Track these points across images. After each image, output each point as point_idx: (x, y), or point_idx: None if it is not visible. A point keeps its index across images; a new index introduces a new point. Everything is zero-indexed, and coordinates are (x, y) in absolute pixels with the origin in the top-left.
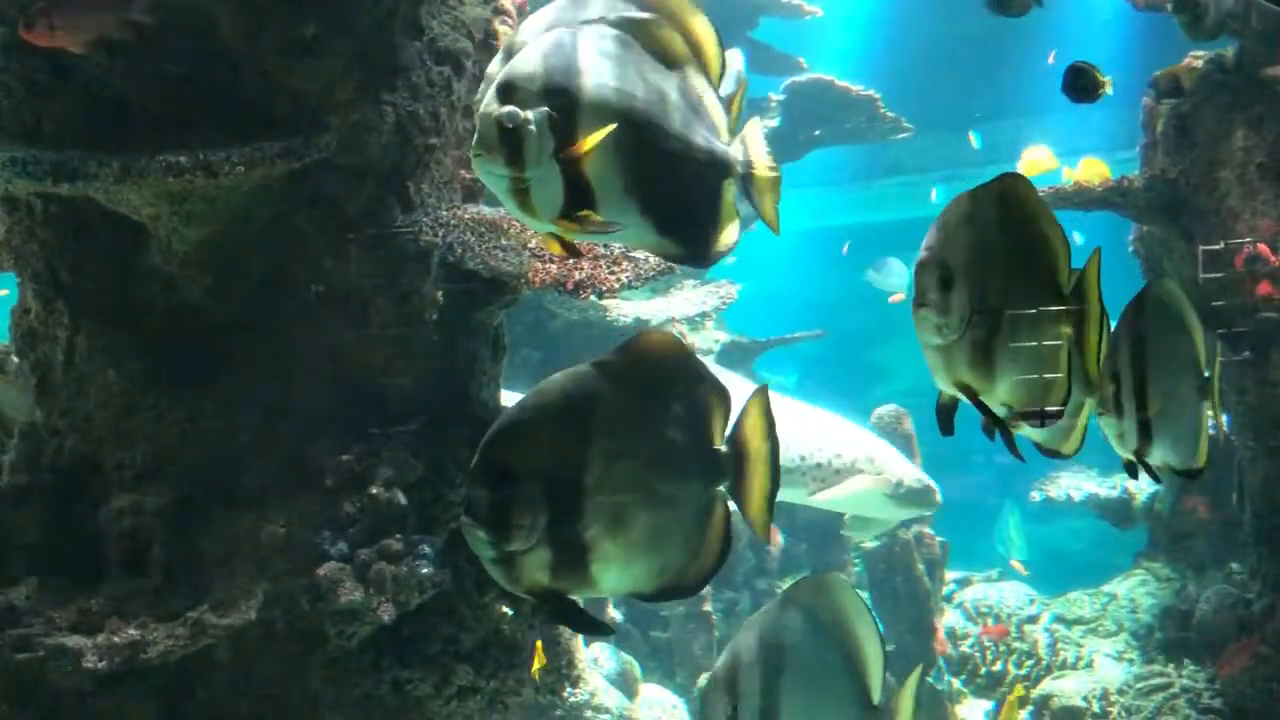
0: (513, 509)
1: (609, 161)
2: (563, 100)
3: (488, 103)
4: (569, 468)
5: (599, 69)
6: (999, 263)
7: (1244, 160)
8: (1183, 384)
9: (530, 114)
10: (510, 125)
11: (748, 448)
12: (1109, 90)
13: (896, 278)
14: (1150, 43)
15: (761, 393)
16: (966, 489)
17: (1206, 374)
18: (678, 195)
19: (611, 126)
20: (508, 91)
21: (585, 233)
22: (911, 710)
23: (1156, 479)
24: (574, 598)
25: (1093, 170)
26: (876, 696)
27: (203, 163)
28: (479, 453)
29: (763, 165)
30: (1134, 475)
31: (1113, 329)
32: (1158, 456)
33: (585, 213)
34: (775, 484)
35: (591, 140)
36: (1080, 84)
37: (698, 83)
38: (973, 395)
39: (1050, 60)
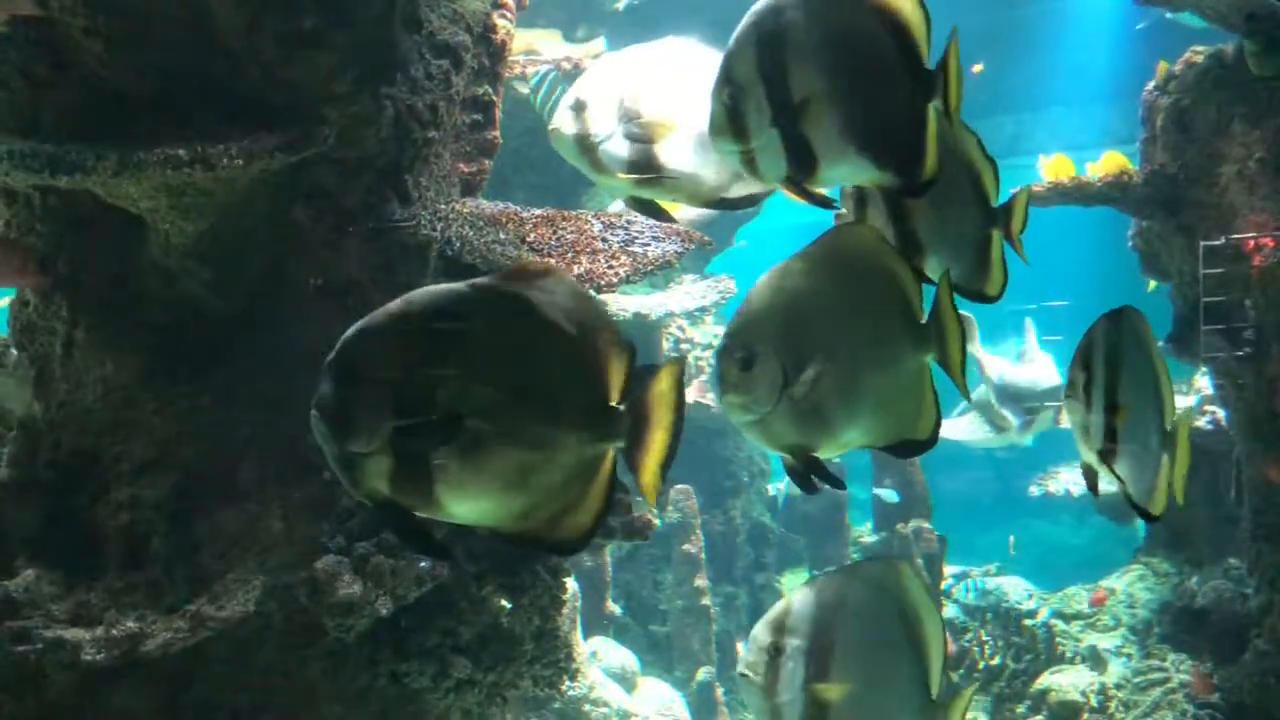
0: (354, 409)
1: (823, 113)
2: (775, 63)
3: (716, 87)
4: (422, 380)
5: (802, 19)
6: (823, 319)
7: (1244, 155)
8: (1149, 421)
9: (744, 85)
10: (730, 104)
11: (650, 414)
12: None
13: None
14: (1150, 39)
15: (677, 363)
16: (965, 484)
17: (1169, 428)
18: (889, 128)
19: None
20: (727, 74)
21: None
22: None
23: (1120, 478)
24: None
25: (1114, 163)
26: (935, 691)
27: (201, 155)
28: (336, 347)
29: (955, 78)
30: (1093, 487)
31: (1090, 326)
32: (1120, 470)
33: (793, 188)
34: (672, 455)
35: (813, 112)
36: None
37: (901, 4)
38: (802, 455)
39: (975, 70)
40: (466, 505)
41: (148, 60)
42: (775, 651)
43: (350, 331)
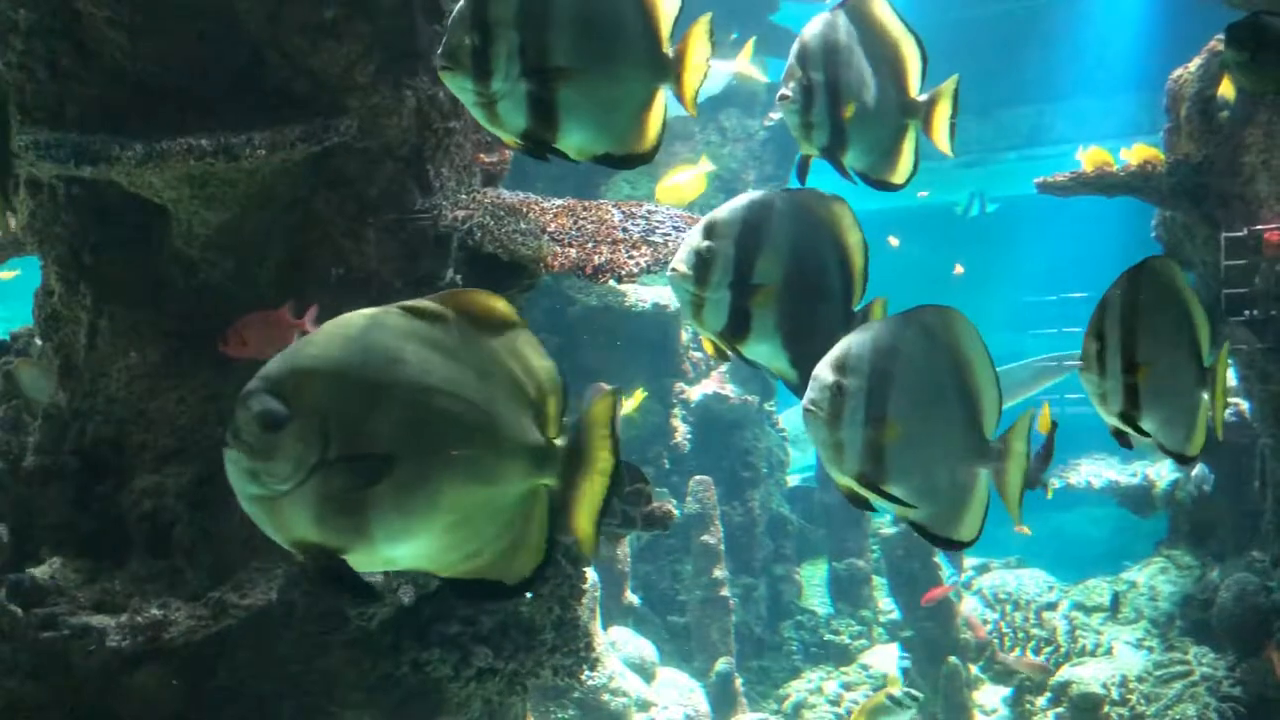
0: (282, 441)
1: (769, 303)
2: (750, 246)
3: (693, 232)
4: (356, 413)
5: (782, 229)
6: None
7: (1269, 145)
8: (1179, 365)
9: (720, 248)
10: (706, 256)
11: (587, 450)
12: None
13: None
14: (1173, 28)
15: (612, 395)
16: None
17: (1207, 364)
18: (813, 337)
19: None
20: (709, 231)
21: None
22: (1025, 452)
23: (1147, 434)
24: None
25: (1146, 154)
26: (990, 431)
27: (224, 145)
28: (261, 374)
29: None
30: (1124, 444)
31: (1105, 292)
32: (1147, 429)
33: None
34: (610, 499)
35: (762, 298)
36: None
37: (844, 234)
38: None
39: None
40: (402, 547)
41: (171, 51)
42: (838, 390)
43: (279, 359)
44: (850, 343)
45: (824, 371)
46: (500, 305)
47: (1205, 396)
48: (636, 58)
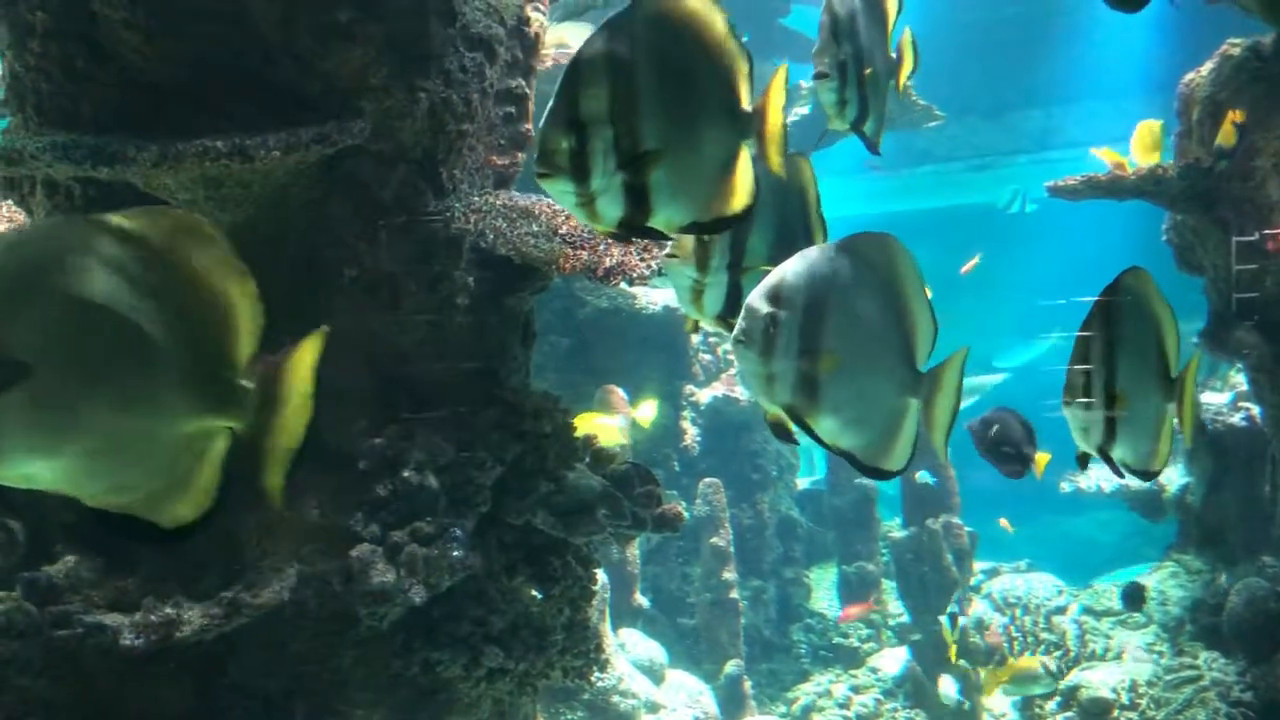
0: None
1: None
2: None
3: (757, 299)
4: None
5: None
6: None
7: None
8: (1148, 384)
9: (782, 319)
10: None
11: (282, 395)
12: None
13: None
14: (1184, 31)
15: (320, 337)
16: (995, 479)
17: (1174, 375)
18: None
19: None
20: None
21: None
22: (957, 385)
23: (1119, 474)
24: None
25: (1146, 134)
26: (923, 362)
27: (238, 147)
28: None
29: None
30: (1083, 467)
31: (1087, 315)
32: (1116, 453)
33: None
34: (304, 450)
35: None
36: None
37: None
38: None
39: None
40: (36, 464)
41: (185, 53)
42: (772, 321)
43: None
44: (785, 272)
45: (757, 302)
46: (205, 229)
47: (1171, 408)
48: (719, 121)
